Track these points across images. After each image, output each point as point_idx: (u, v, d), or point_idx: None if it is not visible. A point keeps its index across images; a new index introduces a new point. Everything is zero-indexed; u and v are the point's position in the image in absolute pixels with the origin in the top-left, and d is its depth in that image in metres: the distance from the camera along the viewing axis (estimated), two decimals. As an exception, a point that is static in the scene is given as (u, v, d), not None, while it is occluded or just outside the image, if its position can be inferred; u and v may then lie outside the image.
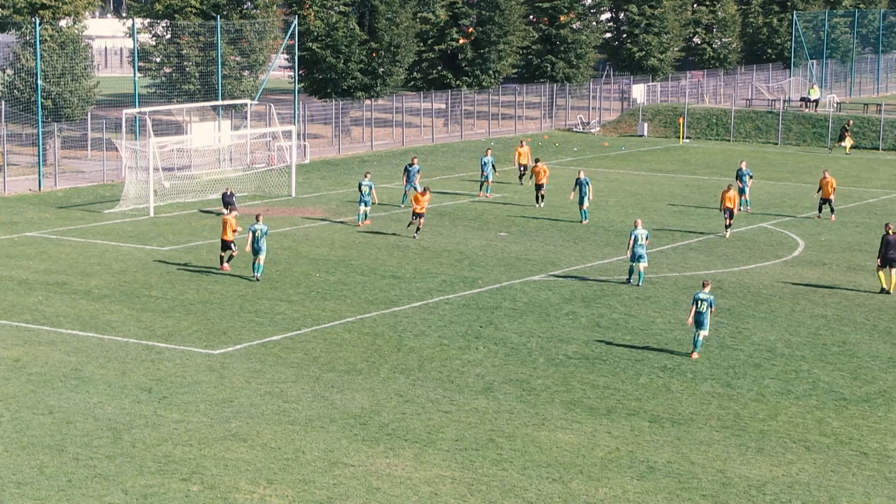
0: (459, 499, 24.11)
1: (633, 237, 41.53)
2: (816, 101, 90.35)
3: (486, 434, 27.53)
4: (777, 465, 26.11)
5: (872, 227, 52.54)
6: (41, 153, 61.85)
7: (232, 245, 42.67)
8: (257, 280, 41.53)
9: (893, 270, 41.26)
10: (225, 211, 54.16)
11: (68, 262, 44.26)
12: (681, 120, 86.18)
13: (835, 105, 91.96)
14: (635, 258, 41.64)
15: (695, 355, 33.55)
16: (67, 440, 26.64)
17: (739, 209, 53.10)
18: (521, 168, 63.19)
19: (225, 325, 36.05)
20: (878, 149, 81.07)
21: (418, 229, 48.92)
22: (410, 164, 57.04)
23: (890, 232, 41.00)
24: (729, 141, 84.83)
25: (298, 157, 66.37)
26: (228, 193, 54.98)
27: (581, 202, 52.96)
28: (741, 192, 55.46)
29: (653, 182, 65.38)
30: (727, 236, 49.63)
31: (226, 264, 43.01)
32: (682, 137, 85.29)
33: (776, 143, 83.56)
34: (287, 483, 24.63)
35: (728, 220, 49.81)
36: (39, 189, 60.62)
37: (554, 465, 25.83)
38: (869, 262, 46.15)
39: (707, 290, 33.74)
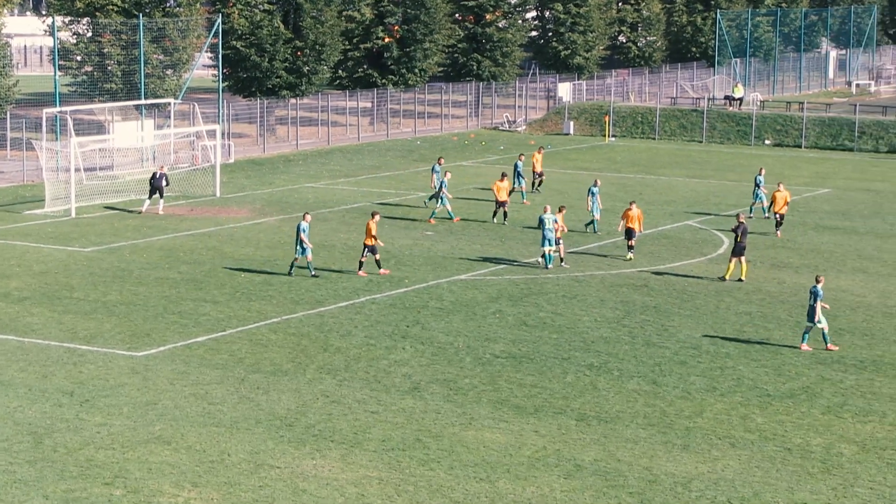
0: (386, 499, 23.97)
1: (541, 222, 43.76)
2: (740, 100, 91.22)
3: (413, 434, 27.41)
4: (702, 462, 26.21)
5: (796, 224, 53.02)
6: (-40, 153, 60.92)
7: (372, 250, 42.22)
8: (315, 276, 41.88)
9: (743, 259, 42.70)
10: (146, 203, 53.91)
11: (-12, 263, 43.61)
12: (606, 118, 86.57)
13: (758, 103, 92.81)
14: (545, 242, 43.59)
15: (831, 347, 34.57)
16: (-13, 445, 26.20)
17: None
18: (536, 175, 61.70)
19: (148, 327, 35.66)
20: (800, 146, 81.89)
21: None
22: (437, 164, 56.17)
23: (742, 221, 42.75)
24: (654, 139, 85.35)
25: (223, 157, 65.88)
26: (158, 176, 54.51)
27: (592, 211, 51.26)
28: (757, 198, 54.59)
29: (579, 180, 65.55)
30: (630, 258, 45.55)
31: (383, 270, 42.60)
32: (608, 136, 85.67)
33: (701, 142, 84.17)
34: (212, 486, 24.37)
35: (630, 241, 45.76)
36: (-41, 190, 59.75)
37: (481, 465, 25.76)
38: (793, 260, 46.61)
39: (819, 284, 34.45)
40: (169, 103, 68.66)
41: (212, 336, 34.85)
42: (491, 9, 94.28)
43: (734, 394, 30.70)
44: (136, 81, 68.76)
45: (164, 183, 54.06)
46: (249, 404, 29.11)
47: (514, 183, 57.96)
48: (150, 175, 55.07)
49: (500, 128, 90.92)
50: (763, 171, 56.20)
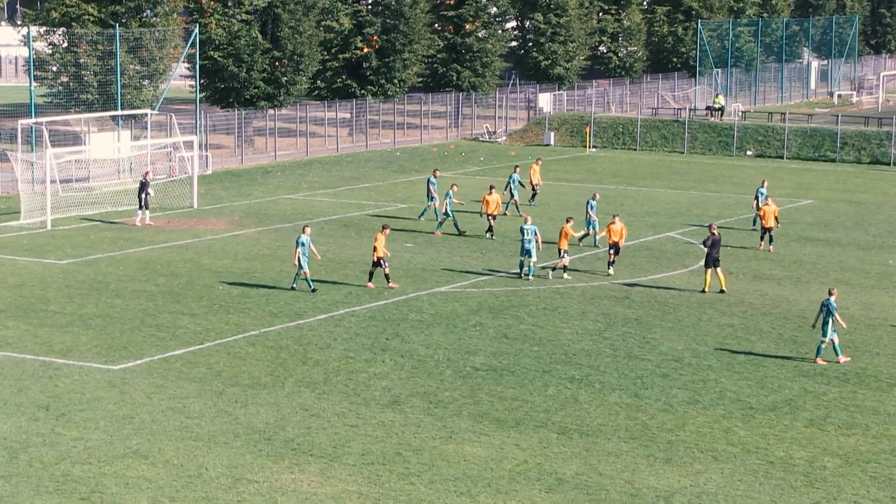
0: (366, 515, 23.72)
1: (522, 232, 43.50)
2: (722, 110, 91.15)
3: (393, 448, 27.15)
4: (685, 476, 26.00)
5: (778, 235, 52.83)
6: (-65, 165, 60.44)
7: (382, 262, 41.69)
8: (313, 291, 41.25)
9: (719, 270, 42.53)
10: (147, 215, 53.59)
11: (-37, 275, 43.21)
12: (587, 129, 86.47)
13: (740, 114, 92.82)
14: (524, 253, 43.52)
15: (819, 361, 34.36)
16: (-40, 461, 25.85)
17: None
18: (532, 186, 61.12)
19: (125, 340, 35.31)
20: (782, 157, 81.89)
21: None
22: (433, 176, 55.68)
23: (714, 232, 42.47)
24: (635, 150, 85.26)
25: (200, 168, 65.51)
26: (142, 183, 54.23)
27: (587, 223, 50.65)
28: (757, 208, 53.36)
29: (559, 191, 65.41)
30: (611, 273, 44.92)
31: (370, 283, 42.18)
32: (589, 146, 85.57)
33: (682, 152, 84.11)
34: (190, 501, 24.10)
35: (613, 256, 45.09)
36: (-66, 201, 59.29)
37: (462, 479, 25.51)
38: (775, 271, 46.47)
39: (832, 297, 34.22)
40: (146, 114, 68.28)
41: (189, 349, 34.53)
42: (471, 19, 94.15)
43: (716, 407, 30.50)
44: (112, 92, 68.36)
45: (142, 193, 53.71)
46: (227, 418, 28.80)
47: (511, 195, 58.03)
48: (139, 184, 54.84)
49: (480, 139, 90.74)
50: (766, 183, 55.69)
